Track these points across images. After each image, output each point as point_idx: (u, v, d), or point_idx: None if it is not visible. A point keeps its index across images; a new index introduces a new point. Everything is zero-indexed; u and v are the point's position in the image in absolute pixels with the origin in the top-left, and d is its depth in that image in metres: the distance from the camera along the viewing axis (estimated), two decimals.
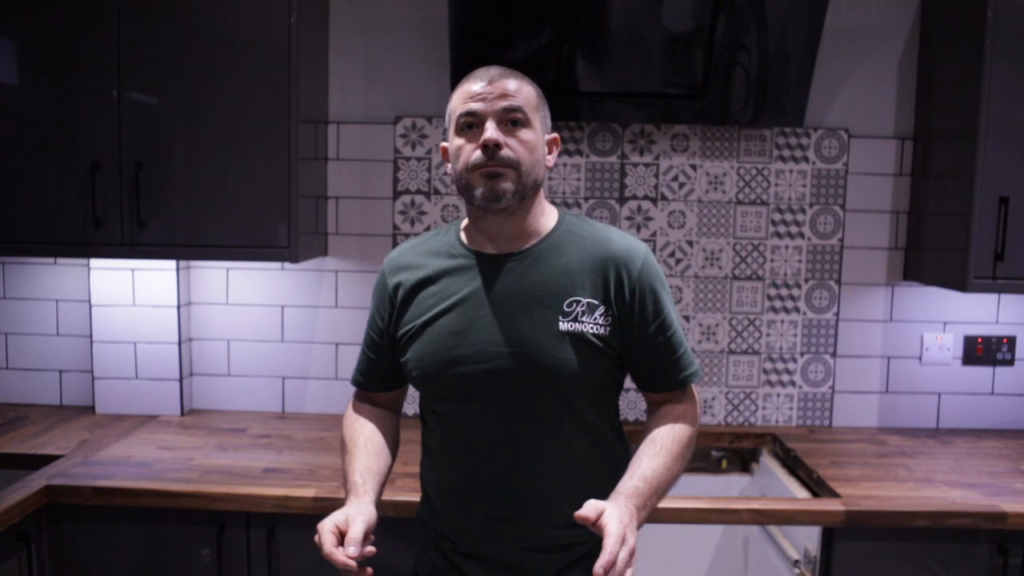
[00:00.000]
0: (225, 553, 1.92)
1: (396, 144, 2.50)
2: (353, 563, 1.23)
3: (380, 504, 1.44)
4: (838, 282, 2.53)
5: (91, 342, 2.49)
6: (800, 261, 2.52)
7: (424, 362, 1.43)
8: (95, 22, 2.12)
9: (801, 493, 2.14)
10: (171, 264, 2.43)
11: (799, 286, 2.53)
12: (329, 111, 2.49)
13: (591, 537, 1.34)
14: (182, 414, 2.51)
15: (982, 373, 2.55)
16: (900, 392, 2.56)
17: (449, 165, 1.44)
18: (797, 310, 2.53)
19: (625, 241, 1.44)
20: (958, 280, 2.19)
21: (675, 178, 2.50)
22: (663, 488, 1.35)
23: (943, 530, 1.89)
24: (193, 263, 2.53)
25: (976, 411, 2.56)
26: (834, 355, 2.55)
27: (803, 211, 2.51)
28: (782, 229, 2.51)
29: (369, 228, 2.52)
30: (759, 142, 2.49)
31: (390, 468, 1.52)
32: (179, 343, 2.48)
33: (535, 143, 1.39)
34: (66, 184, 2.17)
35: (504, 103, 1.36)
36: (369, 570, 1.28)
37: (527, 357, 1.37)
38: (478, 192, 1.37)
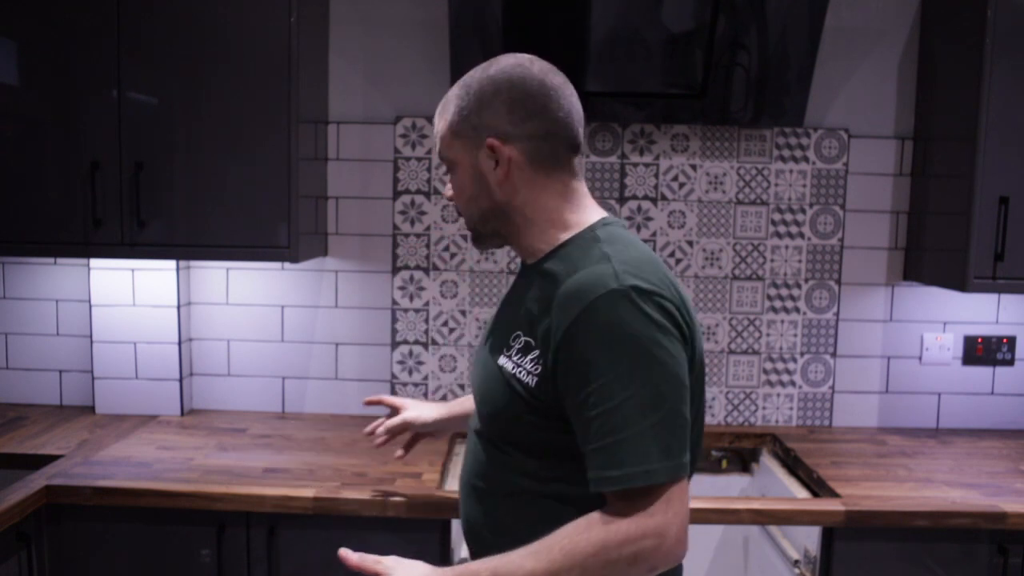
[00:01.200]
0: (225, 553, 1.92)
1: (396, 144, 2.50)
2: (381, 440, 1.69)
3: (454, 419, 1.68)
4: (838, 282, 2.53)
5: (91, 342, 2.49)
6: (800, 261, 2.52)
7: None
8: (95, 22, 2.12)
9: (801, 493, 2.14)
10: (171, 264, 2.43)
11: (799, 286, 2.53)
12: (329, 111, 2.49)
13: None
14: (182, 414, 2.51)
15: (982, 373, 2.55)
16: (900, 392, 2.56)
17: None
18: (797, 310, 2.53)
19: (590, 275, 1.12)
20: (958, 280, 2.19)
21: (675, 178, 2.50)
22: None
23: (943, 530, 1.89)
24: (193, 263, 2.53)
25: (976, 411, 2.56)
26: (834, 355, 2.55)
27: (803, 211, 2.51)
28: (782, 229, 2.51)
29: (369, 228, 2.52)
30: (759, 142, 2.49)
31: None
32: (179, 343, 2.48)
33: (459, 186, 1.29)
34: (66, 184, 2.17)
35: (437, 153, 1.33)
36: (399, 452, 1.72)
37: (477, 386, 1.32)
38: None
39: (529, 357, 1.17)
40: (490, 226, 1.29)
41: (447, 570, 1.15)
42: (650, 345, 1.08)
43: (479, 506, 1.30)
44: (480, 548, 1.29)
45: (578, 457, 1.12)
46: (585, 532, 1.09)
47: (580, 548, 1.08)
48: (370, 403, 1.80)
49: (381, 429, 1.73)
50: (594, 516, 1.10)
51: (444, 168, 1.38)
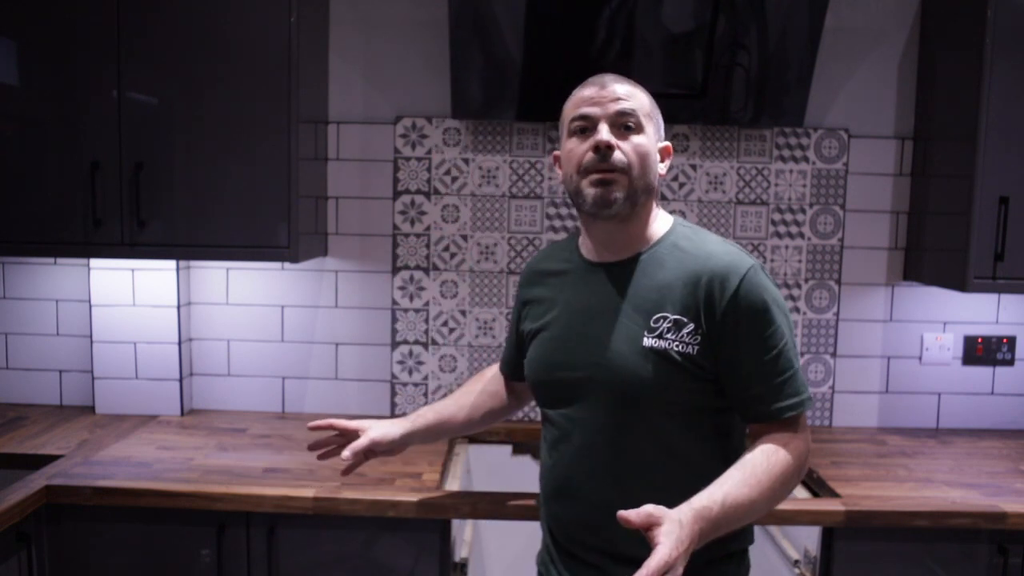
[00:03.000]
0: (225, 553, 1.92)
1: (396, 144, 2.50)
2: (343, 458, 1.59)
3: (416, 433, 1.67)
4: (838, 282, 2.53)
5: (91, 342, 2.49)
6: (800, 261, 2.52)
7: (531, 366, 1.51)
8: (95, 22, 2.12)
9: (801, 493, 2.13)
10: (171, 264, 2.43)
11: (799, 286, 2.53)
12: (329, 111, 2.49)
13: None
14: (182, 414, 2.51)
15: (982, 373, 2.55)
16: (900, 392, 2.56)
17: (560, 172, 1.46)
18: (797, 310, 2.53)
19: (728, 256, 1.37)
20: (958, 280, 2.19)
21: (675, 178, 2.50)
22: (735, 522, 1.25)
23: (943, 530, 1.89)
24: (193, 263, 2.53)
25: (976, 411, 2.56)
26: (834, 355, 2.55)
27: (803, 211, 2.51)
28: (782, 229, 2.51)
29: (369, 228, 2.52)
30: (759, 142, 2.49)
31: (463, 422, 1.71)
32: (179, 343, 2.48)
33: (647, 149, 1.39)
34: (66, 184, 2.17)
35: (617, 107, 1.38)
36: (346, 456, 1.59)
37: (610, 370, 1.37)
38: (588, 197, 1.37)
39: (685, 331, 1.34)
40: (640, 196, 1.39)
41: (696, 529, 1.18)
42: (784, 305, 1.38)
43: (659, 489, 1.29)
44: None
45: (722, 412, 1.39)
46: (774, 455, 1.30)
47: (777, 470, 1.29)
48: (316, 428, 1.64)
49: (347, 453, 1.59)
50: (770, 443, 1.33)
51: (607, 125, 1.38)
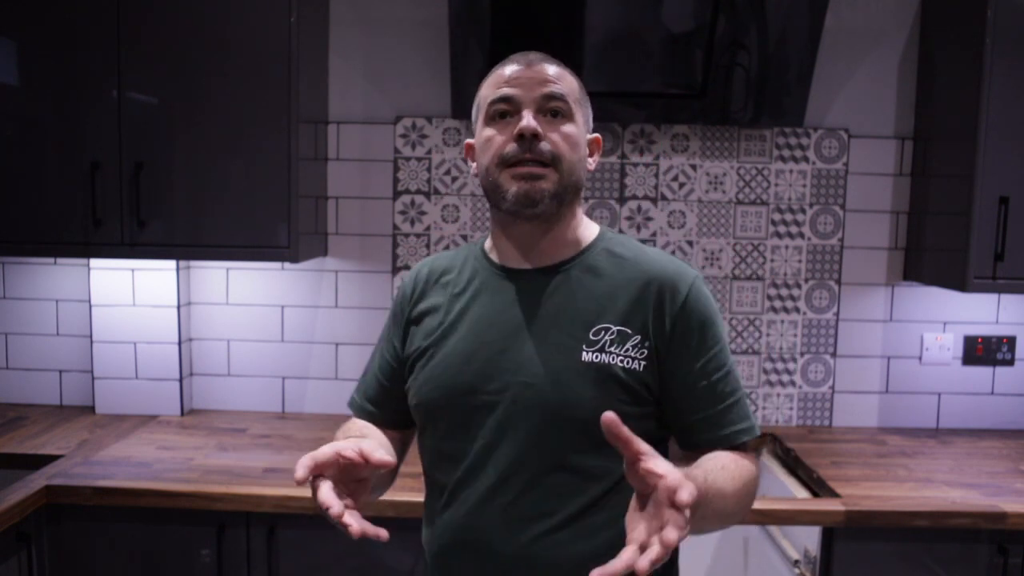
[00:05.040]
0: (225, 553, 1.92)
1: (396, 144, 2.50)
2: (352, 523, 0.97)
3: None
4: (838, 282, 2.53)
5: (91, 342, 2.49)
6: (800, 261, 2.52)
7: (425, 388, 1.24)
8: (95, 22, 2.12)
9: (801, 493, 2.14)
10: (171, 264, 2.43)
11: (799, 286, 2.53)
12: (329, 111, 2.49)
13: None
14: (182, 414, 2.51)
15: (982, 373, 2.55)
16: (900, 392, 2.56)
17: (474, 164, 1.26)
18: (797, 310, 2.53)
19: (673, 264, 1.23)
20: (958, 280, 2.19)
21: (675, 178, 2.50)
22: (710, 507, 1.02)
23: (943, 530, 1.89)
24: (193, 263, 2.53)
25: (976, 411, 2.56)
26: (834, 355, 2.55)
27: (803, 211, 2.51)
28: (782, 229, 2.51)
29: (369, 228, 2.52)
30: (759, 142, 2.49)
31: (390, 471, 1.19)
32: (179, 343, 2.48)
33: (577, 138, 1.21)
34: (66, 184, 2.17)
35: (544, 89, 1.19)
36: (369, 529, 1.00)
37: (539, 391, 1.16)
38: (510, 193, 1.18)
39: (629, 344, 1.17)
40: (568, 194, 1.22)
41: (690, 476, 0.96)
42: (722, 321, 1.24)
43: (584, 538, 1.15)
44: None
45: (660, 443, 1.21)
46: (738, 462, 1.15)
47: (743, 476, 1.14)
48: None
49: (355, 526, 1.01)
50: (730, 454, 1.17)
51: (532, 111, 1.19)
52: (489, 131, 1.21)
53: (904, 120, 2.48)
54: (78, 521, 1.92)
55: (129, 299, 2.46)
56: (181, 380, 2.50)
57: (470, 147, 1.29)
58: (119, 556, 1.94)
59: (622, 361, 1.16)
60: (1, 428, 2.35)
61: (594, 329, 1.18)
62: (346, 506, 0.99)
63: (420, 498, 1.35)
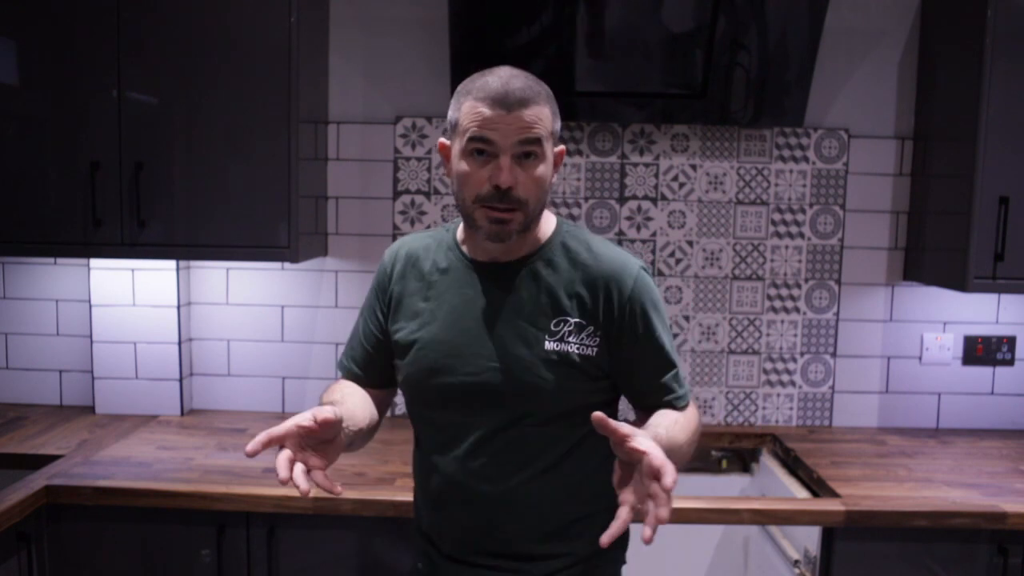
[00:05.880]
0: (225, 553, 1.92)
1: (396, 144, 2.50)
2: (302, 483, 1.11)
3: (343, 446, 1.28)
4: (838, 282, 2.53)
5: (91, 342, 2.49)
6: (800, 261, 2.52)
7: (411, 369, 1.42)
8: (95, 22, 2.12)
9: (801, 493, 2.14)
10: (171, 264, 2.43)
11: (799, 286, 2.53)
12: (329, 111, 2.49)
13: (564, 551, 1.42)
14: (182, 414, 2.51)
15: (982, 373, 2.55)
16: (900, 392, 2.56)
17: (450, 177, 1.37)
18: (797, 310, 2.53)
19: (620, 258, 1.40)
20: (958, 280, 2.19)
21: (675, 178, 2.50)
22: (676, 453, 1.24)
23: (943, 530, 1.89)
24: (193, 263, 2.53)
25: (976, 411, 2.56)
26: (834, 355, 2.55)
27: (803, 211, 2.51)
28: (782, 229, 2.51)
29: (369, 228, 2.52)
30: (759, 142, 2.49)
31: (369, 426, 1.38)
32: (179, 343, 2.48)
33: (544, 177, 1.33)
34: (66, 184, 2.17)
35: (521, 136, 1.28)
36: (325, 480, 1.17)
37: (510, 375, 1.35)
38: (483, 229, 1.33)
39: (584, 333, 1.37)
40: (533, 222, 1.37)
41: (656, 438, 1.18)
42: (663, 305, 1.45)
43: (553, 486, 1.40)
44: (559, 523, 1.42)
45: (608, 405, 1.44)
46: (686, 416, 1.39)
47: (691, 426, 1.38)
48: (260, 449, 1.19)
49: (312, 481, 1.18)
50: (675, 412, 1.40)
51: (509, 157, 1.29)
52: (466, 166, 1.32)
53: (904, 120, 2.48)
54: (78, 521, 1.92)
55: (129, 299, 2.46)
56: (181, 380, 2.50)
57: (444, 148, 1.39)
58: (119, 556, 1.94)
59: (578, 348, 1.37)
60: (1, 428, 2.35)
61: (555, 321, 1.37)
62: (314, 466, 1.17)
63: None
